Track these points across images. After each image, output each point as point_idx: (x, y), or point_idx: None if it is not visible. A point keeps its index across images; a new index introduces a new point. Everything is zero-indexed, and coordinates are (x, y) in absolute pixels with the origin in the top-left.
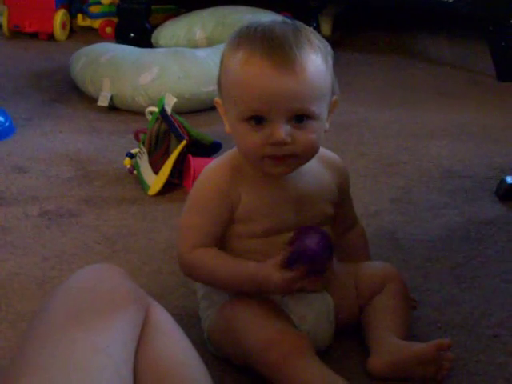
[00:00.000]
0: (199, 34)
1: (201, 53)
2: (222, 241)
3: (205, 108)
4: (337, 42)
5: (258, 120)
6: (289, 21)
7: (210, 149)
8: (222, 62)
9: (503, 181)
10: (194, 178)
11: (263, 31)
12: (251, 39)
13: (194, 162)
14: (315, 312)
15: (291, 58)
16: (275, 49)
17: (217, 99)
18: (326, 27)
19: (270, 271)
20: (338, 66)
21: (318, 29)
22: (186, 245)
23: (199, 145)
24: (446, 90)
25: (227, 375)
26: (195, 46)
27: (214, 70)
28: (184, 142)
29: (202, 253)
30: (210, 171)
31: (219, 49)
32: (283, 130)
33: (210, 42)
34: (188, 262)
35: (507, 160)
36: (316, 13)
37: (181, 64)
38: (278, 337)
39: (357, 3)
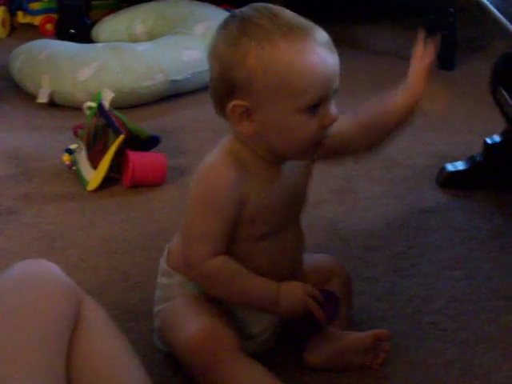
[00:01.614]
0: (139, 29)
1: (140, 47)
2: None
3: (144, 102)
4: None
5: (317, 105)
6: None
7: (148, 143)
8: (240, 61)
9: (443, 169)
10: (133, 173)
11: (282, 19)
12: (284, 27)
13: (133, 156)
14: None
15: (326, 35)
16: (313, 30)
17: (239, 102)
18: None
19: (295, 285)
20: None
21: None
22: (200, 253)
23: (137, 139)
24: (388, 80)
25: (177, 374)
26: (135, 41)
27: (153, 64)
28: (122, 137)
29: (220, 264)
30: (214, 169)
31: (159, 43)
32: (334, 109)
33: (150, 37)
34: (204, 272)
35: (447, 148)
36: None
37: (120, 59)
38: (206, 335)
39: None
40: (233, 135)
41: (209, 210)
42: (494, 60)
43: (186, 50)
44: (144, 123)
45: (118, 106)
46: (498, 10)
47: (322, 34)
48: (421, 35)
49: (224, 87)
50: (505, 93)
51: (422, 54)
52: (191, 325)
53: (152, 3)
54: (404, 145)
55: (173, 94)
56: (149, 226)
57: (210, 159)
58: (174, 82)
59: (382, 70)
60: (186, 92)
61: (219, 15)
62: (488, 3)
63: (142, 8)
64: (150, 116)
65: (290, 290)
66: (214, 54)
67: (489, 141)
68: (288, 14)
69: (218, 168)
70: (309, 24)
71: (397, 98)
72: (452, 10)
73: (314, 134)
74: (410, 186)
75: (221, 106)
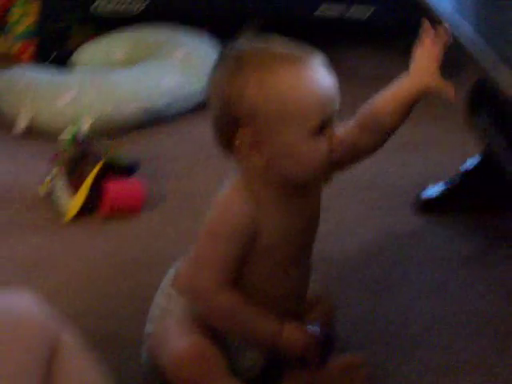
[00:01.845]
0: (118, 55)
1: (119, 74)
2: None
3: (123, 129)
4: None
5: (322, 128)
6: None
7: (126, 171)
8: (241, 95)
9: (420, 192)
10: (110, 201)
11: (276, 48)
12: (280, 55)
13: (110, 184)
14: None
15: (321, 58)
16: (308, 55)
17: (246, 135)
18: None
19: (297, 330)
20: None
21: None
22: (210, 283)
23: (115, 167)
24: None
25: None
26: (114, 67)
27: (132, 91)
28: (99, 165)
29: (228, 298)
30: (229, 204)
31: (138, 69)
32: (337, 129)
33: (129, 63)
34: (210, 302)
35: (424, 172)
36: (235, 30)
37: (99, 85)
38: (197, 351)
39: (277, 17)
40: (242, 171)
41: (223, 241)
42: (470, 83)
43: (164, 77)
44: (122, 150)
45: (96, 132)
46: (469, 37)
47: (317, 58)
48: (427, 23)
49: (228, 123)
50: (480, 117)
51: (432, 41)
52: (182, 341)
53: (131, 29)
54: (381, 168)
55: (151, 121)
56: (126, 254)
57: (224, 193)
58: (152, 108)
59: (363, 93)
60: (164, 119)
61: (198, 41)
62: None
63: (122, 34)
64: (129, 143)
65: (292, 335)
66: (214, 92)
67: (466, 164)
68: (281, 43)
69: (232, 202)
70: (304, 49)
71: (398, 91)
72: None
73: (323, 156)
74: (387, 209)
75: (227, 143)
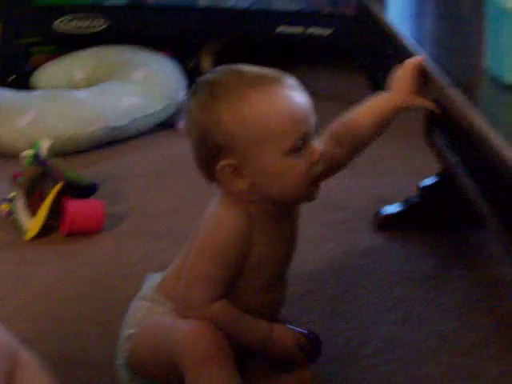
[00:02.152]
0: (79, 75)
1: (79, 94)
2: None
3: (83, 149)
4: None
5: (300, 146)
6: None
7: (86, 190)
8: (217, 123)
9: (380, 211)
10: (71, 221)
11: (247, 73)
12: (251, 80)
13: (70, 204)
14: None
15: (292, 79)
16: (279, 77)
17: (227, 162)
18: (207, 64)
19: (286, 332)
20: None
21: (198, 66)
22: (202, 296)
23: (76, 187)
24: (323, 123)
25: None
26: (75, 87)
27: (93, 111)
28: (59, 185)
29: (221, 309)
30: (224, 218)
31: (98, 89)
32: (318, 143)
33: (89, 83)
34: (204, 315)
35: (383, 190)
36: (196, 50)
37: (59, 106)
38: (207, 327)
39: (237, 39)
40: (227, 193)
41: (217, 256)
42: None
43: (124, 97)
44: (83, 170)
45: (57, 152)
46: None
47: (288, 79)
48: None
49: (208, 153)
50: (438, 136)
51: (411, 62)
52: (187, 324)
53: (91, 49)
54: (341, 188)
55: (112, 141)
56: (87, 274)
57: (216, 210)
58: (113, 128)
59: (322, 113)
60: (125, 138)
61: (158, 61)
62: (413, 50)
63: (82, 54)
64: (89, 163)
65: (282, 334)
66: (191, 124)
67: (424, 183)
68: (252, 69)
69: (226, 219)
70: (274, 72)
71: (377, 106)
72: (389, 52)
73: (305, 173)
74: (347, 228)
75: (209, 172)
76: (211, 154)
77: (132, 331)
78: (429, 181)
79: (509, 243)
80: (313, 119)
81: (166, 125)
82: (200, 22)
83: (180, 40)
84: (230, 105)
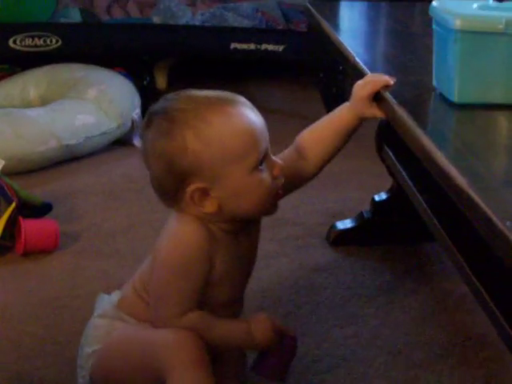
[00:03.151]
0: (33, 94)
1: (33, 112)
2: None
3: (37, 168)
4: None
5: (262, 161)
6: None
7: (40, 210)
8: (183, 148)
9: (333, 226)
10: (25, 240)
11: (199, 97)
12: (207, 103)
13: (25, 223)
14: None
15: (244, 98)
16: (233, 97)
17: (196, 186)
18: (161, 80)
19: (259, 317)
20: None
21: (152, 83)
22: (172, 312)
23: (29, 206)
24: (281, 138)
25: None
26: (29, 106)
27: (46, 130)
28: (13, 205)
29: (193, 318)
30: (185, 234)
31: (52, 108)
32: (275, 158)
33: (43, 101)
34: (180, 327)
35: (336, 206)
36: (150, 67)
37: (12, 125)
38: (185, 336)
39: (190, 56)
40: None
41: (182, 270)
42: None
43: (78, 115)
44: (37, 189)
45: (10, 172)
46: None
47: (241, 98)
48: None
49: (173, 180)
50: (389, 151)
51: (372, 80)
52: (168, 331)
53: (46, 68)
54: (294, 203)
55: (66, 159)
56: (42, 294)
57: (175, 227)
58: (66, 146)
59: (274, 129)
60: (79, 156)
61: (112, 79)
62: (363, 67)
63: (36, 72)
64: (43, 182)
65: (259, 323)
66: (152, 154)
67: (377, 198)
68: (202, 93)
69: (188, 233)
70: (226, 93)
71: (338, 118)
72: (341, 68)
73: (270, 187)
74: (300, 244)
75: (173, 200)
76: (178, 181)
77: (95, 348)
78: (381, 196)
79: (456, 257)
80: (267, 135)
81: (120, 142)
82: (154, 40)
83: (134, 57)
84: (193, 129)
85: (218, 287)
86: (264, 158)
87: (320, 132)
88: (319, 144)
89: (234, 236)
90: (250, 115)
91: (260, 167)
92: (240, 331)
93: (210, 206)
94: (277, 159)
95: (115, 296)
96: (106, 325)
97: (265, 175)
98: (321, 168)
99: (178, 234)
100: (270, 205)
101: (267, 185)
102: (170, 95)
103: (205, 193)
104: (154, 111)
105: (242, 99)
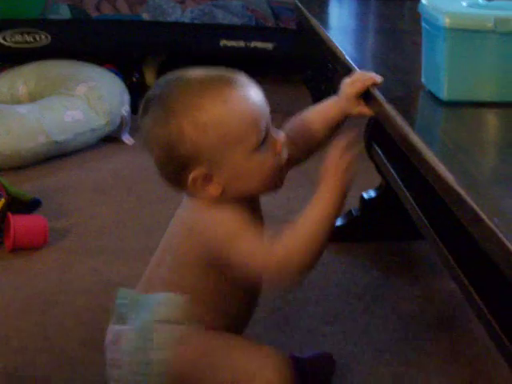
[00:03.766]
0: (22, 90)
1: (22, 109)
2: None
3: (27, 164)
4: None
5: (263, 140)
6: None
7: (29, 206)
8: (179, 136)
9: None
10: (14, 236)
11: (195, 80)
12: (201, 87)
13: (14, 219)
14: None
15: (242, 75)
16: (229, 76)
17: (197, 172)
18: (151, 77)
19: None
20: None
21: (142, 79)
22: (262, 251)
23: (18, 202)
24: None
25: None
26: (18, 102)
27: (35, 126)
28: (2, 201)
29: (285, 238)
30: (219, 209)
31: (41, 104)
32: (277, 132)
33: (32, 98)
34: (283, 260)
35: None
36: (139, 64)
37: (2, 121)
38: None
39: (179, 52)
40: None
41: (243, 228)
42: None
43: (67, 111)
44: (26, 185)
45: None
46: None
47: (238, 76)
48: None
49: (175, 166)
50: (378, 149)
51: (360, 79)
52: (262, 362)
53: (35, 64)
54: (283, 201)
55: (55, 155)
56: (31, 289)
57: (202, 216)
58: (56, 143)
59: None
60: (68, 153)
61: (101, 75)
62: (352, 65)
63: (25, 69)
64: (32, 178)
65: (325, 174)
66: (152, 142)
67: (365, 195)
68: (196, 75)
69: (219, 212)
70: (221, 72)
71: (327, 109)
72: (330, 65)
73: (273, 166)
74: None
75: (178, 184)
76: (179, 167)
77: (165, 355)
78: (370, 193)
79: (444, 254)
80: (268, 109)
81: (109, 139)
82: (143, 36)
83: (123, 54)
84: (188, 116)
85: None
86: (265, 137)
87: (309, 121)
88: (308, 133)
89: (250, 211)
90: (248, 94)
91: (261, 146)
92: (321, 198)
93: (213, 191)
94: (279, 133)
95: (157, 296)
96: (173, 330)
97: (266, 155)
98: (308, 156)
99: (213, 216)
100: (274, 182)
101: (269, 165)
102: (163, 80)
103: (207, 178)
104: (149, 98)
105: (239, 76)
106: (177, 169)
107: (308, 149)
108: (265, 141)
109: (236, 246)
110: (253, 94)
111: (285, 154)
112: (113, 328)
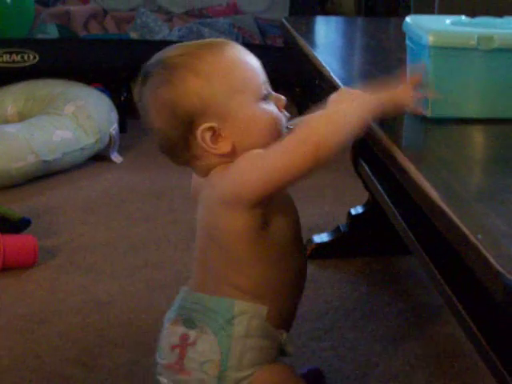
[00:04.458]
0: (11, 110)
1: (11, 128)
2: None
3: (15, 184)
4: None
5: (267, 94)
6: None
7: (18, 225)
8: (184, 90)
9: (310, 240)
10: (3, 256)
11: (192, 44)
12: (199, 45)
13: (3, 239)
14: None
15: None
16: (223, 40)
17: (205, 126)
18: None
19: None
20: None
21: (130, 98)
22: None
23: (8, 222)
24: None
25: None
26: (7, 122)
27: (25, 145)
28: None
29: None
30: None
31: (30, 123)
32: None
33: (21, 117)
34: (306, 141)
35: (313, 219)
36: (127, 82)
37: None
38: None
39: None
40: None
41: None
42: None
43: (56, 130)
44: (15, 204)
45: None
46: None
47: (234, 42)
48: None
49: (180, 128)
50: (365, 166)
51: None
52: None
53: (23, 83)
54: None
55: (44, 175)
56: (21, 309)
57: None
58: (45, 162)
59: None
60: (57, 172)
61: (89, 94)
62: (338, 82)
63: (13, 88)
64: (21, 197)
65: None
66: (153, 107)
67: (353, 211)
68: (192, 42)
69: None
70: (216, 38)
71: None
72: (317, 83)
73: (279, 116)
74: None
75: (185, 152)
76: (186, 127)
77: (251, 371)
78: (357, 209)
79: (431, 269)
80: (264, 74)
81: (98, 158)
82: (131, 55)
83: (111, 73)
84: (191, 69)
85: (280, 226)
86: (267, 96)
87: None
88: None
89: None
90: (245, 52)
91: (265, 99)
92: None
93: (224, 147)
94: (280, 95)
95: (232, 304)
96: (263, 347)
97: (272, 106)
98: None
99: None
100: (280, 137)
101: (275, 115)
102: (160, 52)
103: (216, 133)
104: (150, 65)
105: (237, 43)
106: (183, 129)
107: None
108: (268, 96)
109: (259, 156)
110: (250, 54)
111: (287, 116)
112: (178, 329)
